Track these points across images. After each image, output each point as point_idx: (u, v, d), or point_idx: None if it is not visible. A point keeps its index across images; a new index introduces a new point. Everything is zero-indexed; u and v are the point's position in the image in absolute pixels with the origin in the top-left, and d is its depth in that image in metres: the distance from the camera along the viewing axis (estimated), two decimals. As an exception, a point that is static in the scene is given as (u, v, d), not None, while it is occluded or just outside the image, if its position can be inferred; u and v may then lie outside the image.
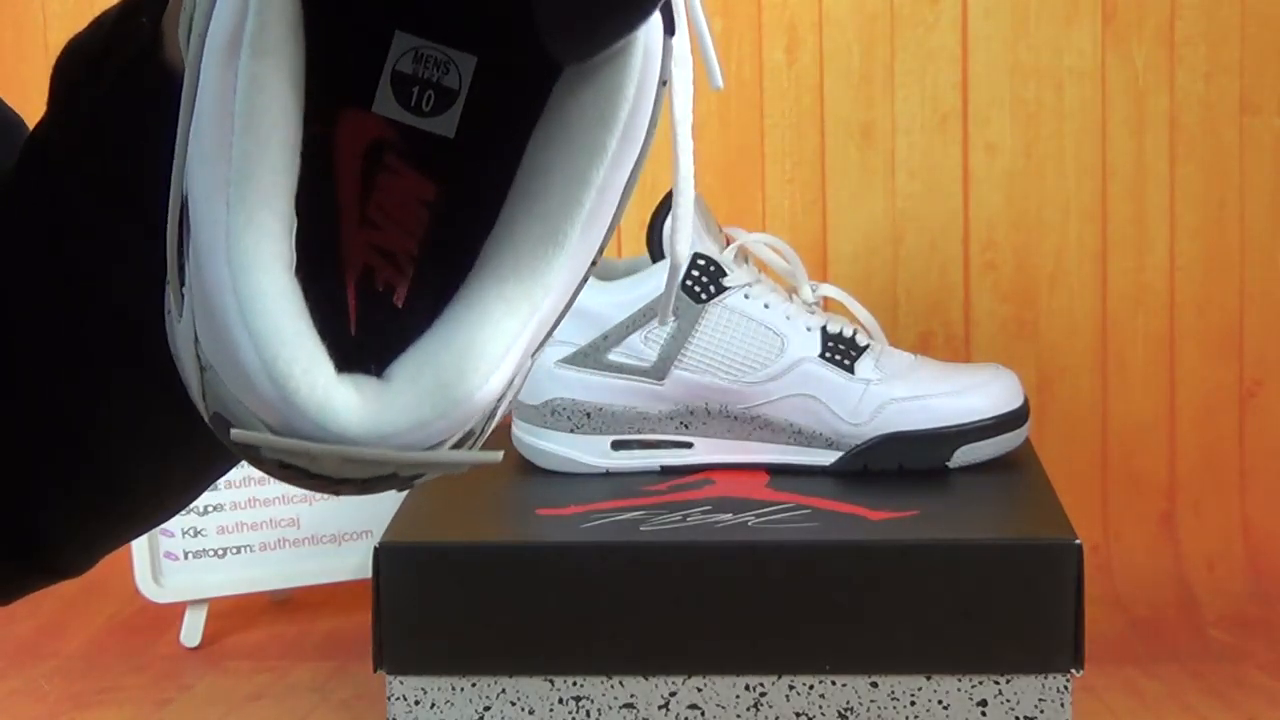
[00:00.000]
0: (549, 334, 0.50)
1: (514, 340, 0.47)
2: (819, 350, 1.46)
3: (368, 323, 0.50)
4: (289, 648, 1.71)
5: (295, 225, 0.47)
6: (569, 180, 0.48)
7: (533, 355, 0.49)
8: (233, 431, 0.45)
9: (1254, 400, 1.88)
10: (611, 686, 1.27)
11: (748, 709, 1.27)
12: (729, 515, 1.33)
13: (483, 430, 0.49)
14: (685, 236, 0.53)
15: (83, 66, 0.62)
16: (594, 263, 0.50)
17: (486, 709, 1.28)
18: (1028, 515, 1.38)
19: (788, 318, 1.46)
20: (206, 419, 0.48)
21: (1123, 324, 1.88)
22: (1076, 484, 1.83)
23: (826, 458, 1.46)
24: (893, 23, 1.87)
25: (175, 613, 1.72)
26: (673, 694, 1.27)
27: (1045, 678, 1.25)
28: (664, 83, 0.50)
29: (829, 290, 1.51)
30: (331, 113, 0.52)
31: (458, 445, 0.47)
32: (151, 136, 0.57)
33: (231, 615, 1.77)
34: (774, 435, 1.47)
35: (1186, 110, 1.86)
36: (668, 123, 0.52)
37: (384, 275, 0.51)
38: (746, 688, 1.27)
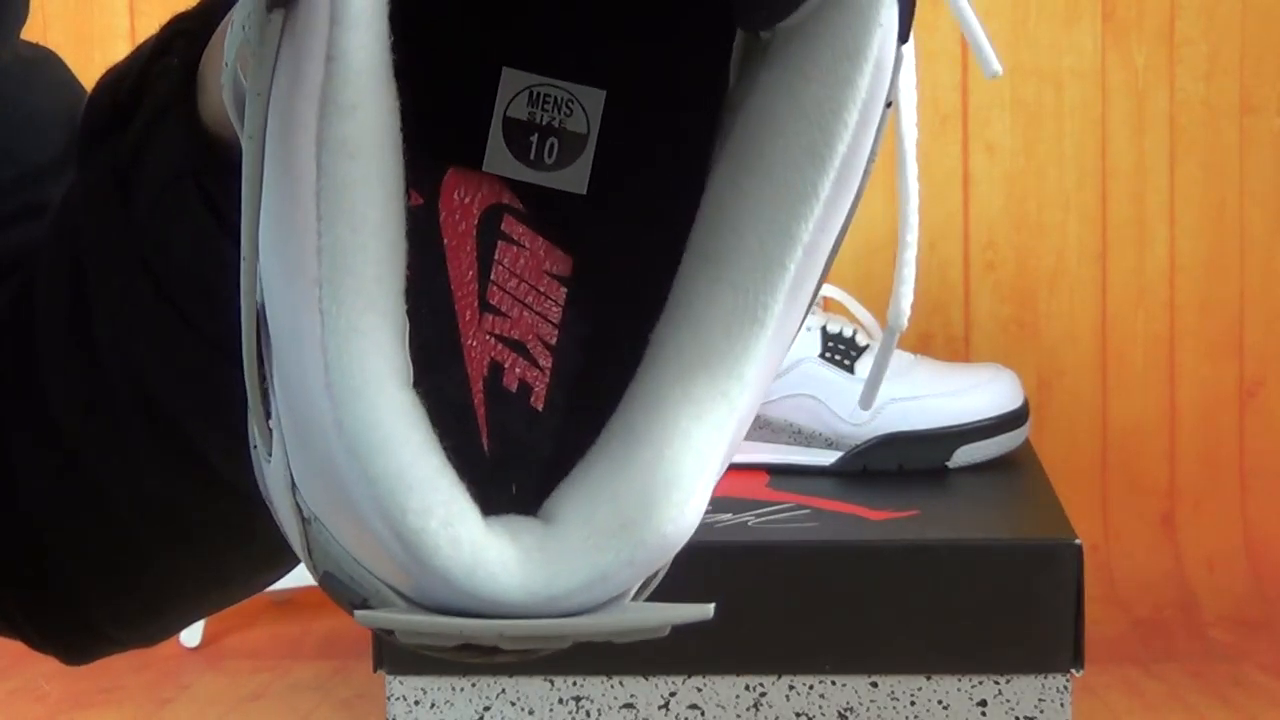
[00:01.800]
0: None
1: (710, 452, 0.37)
2: (819, 350, 1.46)
3: (503, 434, 0.40)
4: (289, 648, 1.71)
5: (407, 327, 0.37)
6: (769, 236, 0.37)
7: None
8: (356, 614, 0.36)
9: (1254, 400, 1.88)
10: (611, 686, 1.27)
11: (748, 709, 1.27)
12: (729, 515, 1.33)
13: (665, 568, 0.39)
14: (909, 293, 0.43)
15: (109, 112, 0.53)
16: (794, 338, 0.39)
17: (486, 709, 1.28)
18: (1028, 515, 1.38)
19: (788, 318, 1.46)
20: (316, 580, 0.39)
21: (1123, 324, 1.88)
22: (1076, 484, 1.83)
23: (826, 458, 1.46)
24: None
25: (175, 613, 1.72)
26: (673, 694, 1.27)
27: (1045, 678, 1.25)
28: (889, 104, 0.38)
29: (829, 290, 1.51)
30: (433, 177, 0.42)
31: (640, 591, 0.38)
32: (187, 215, 0.50)
33: (231, 615, 1.77)
34: (774, 435, 1.47)
35: (1186, 110, 1.86)
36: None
37: (515, 372, 0.41)
38: (746, 688, 1.27)
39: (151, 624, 0.64)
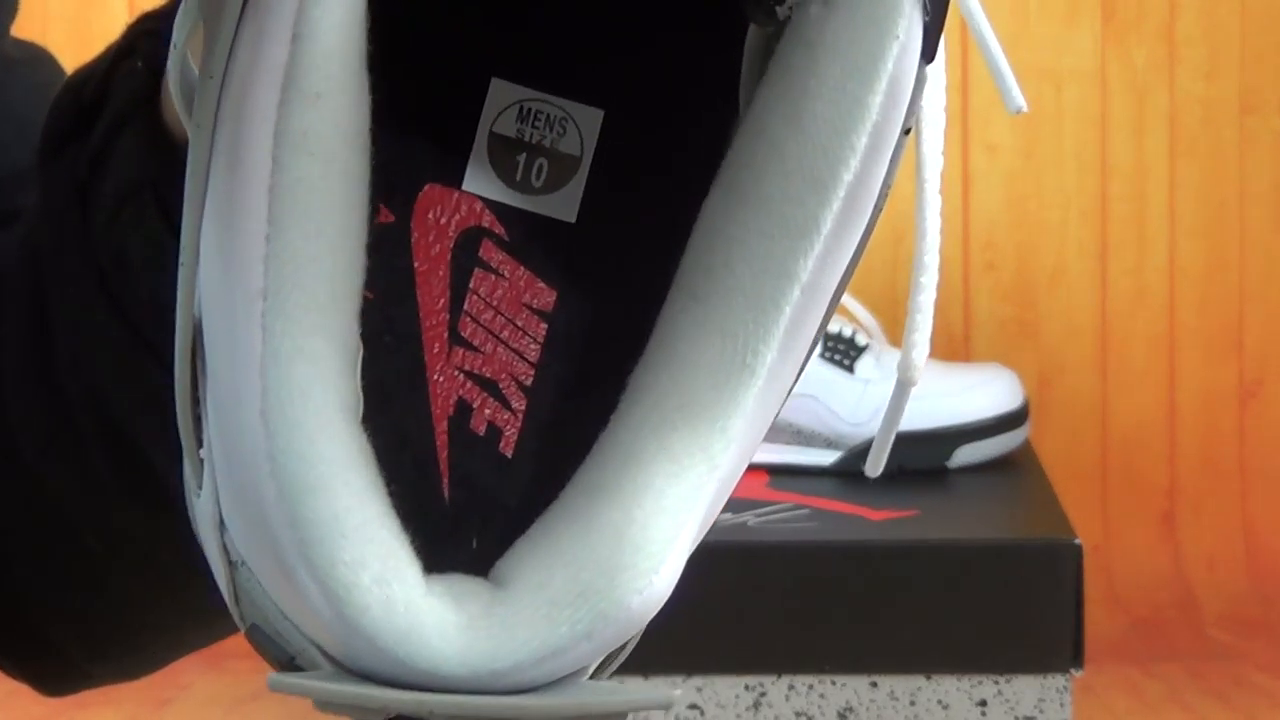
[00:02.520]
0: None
1: (685, 515, 0.32)
2: (819, 350, 1.46)
3: (466, 482, 0.36)
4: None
5: (360, 354, 0.33)
6: (763, 273, 0.33)
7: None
8: (269, 679, 0.31)
9: (1254, 400, 1.88)
10: (611, 686, 1.27)
11: (748, 709, 1.27)
12: (729, 515, 1.33)
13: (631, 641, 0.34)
14: (924, 343, 0.38)
15: (72, 117, 0.49)
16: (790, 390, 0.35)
17: (486, 709, 1.28)
18: (1028, 515, 1.38)
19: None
20: (243, 631, 0.35)
21: (1123, 324, 1.88)
22: (1076, 484, 1.83)
23: (826, 458, 1.46)
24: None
25: (175, 613, 1.72)
26: (673, 694, 1.27)
27: (1045, 678, 1.25)
28: (907, 131, 0.34)
29: (829, 290, 1.51)
30: (407, 193, 0.38)
31: (603, 665, 0.34)
32: (143, 228, 0.47)
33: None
34: (774, 435, 1.47)
35: (1186, 110, 1.86)
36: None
37: (485, 413, 0.37)
38: (746, 688, 1.27)
39: (127, 658, 0.61)
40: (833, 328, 1.47)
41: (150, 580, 0.55)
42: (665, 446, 0.33)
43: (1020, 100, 0.40)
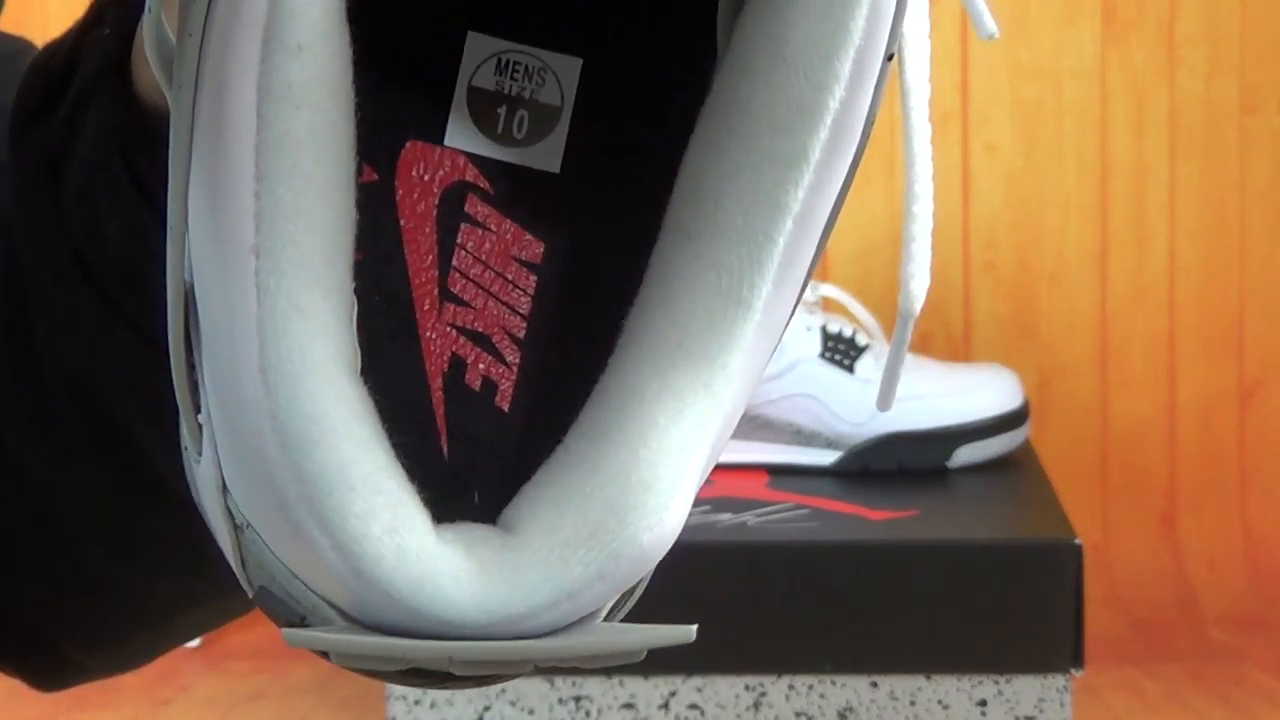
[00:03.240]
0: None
1: (691, 451, 0.32)
2: (819, 350, 1.46)
3: (464, 437, 0.36)
4: (289, 648, 1.71)
5: (355, 308, 0.33)
6: (754, 206, 0.33)
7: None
8: (285, 633, 0.32)
9: (1254, 400, 1.88)
10: (611, 686, 1.27)
11: (748, 709, 1.27)
12: (729, 515, 1.33)
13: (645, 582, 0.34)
14: (923, 274, 0.38)
15: (41, 90, 0.49)
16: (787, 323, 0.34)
17: (486, 709, 1.28)
18: (1028, 515, 1.38)
19: (788, 318, 1.46)
20: (250, 594, 0.35)
21: (1123, 324, 1.88)
22: (1076, 484, 1.83)
23: (826, 458, 1.46)
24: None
25: (175, 613, 1.72)
26: (673, 694, 1.27)
27: (1045, 678, 1.25)
28: (890, 57, 0.34)
29: (829, 290, 1.51)
30: (390, 151, 0.38)
31: (615, 609, 0.34)
32: (116, 197, 0.46)
33: (231, 615, 1.77)
34: (774, 435, 1.47)
35: (1186, 110, 1.86)
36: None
37: (479, 368, 0.37)
38: (746, 688, 1.27)
39: (118, 650, 0.60)
40: (833, 328, 1.47)
41: (135, 568, 0.55)
42: (667, 384, 0.32)
43: (991, 25, 0.40)
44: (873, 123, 0.34)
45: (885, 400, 0.42)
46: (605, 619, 0.33)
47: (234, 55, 0.31)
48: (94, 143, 0.47)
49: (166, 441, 0.45)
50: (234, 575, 0.38)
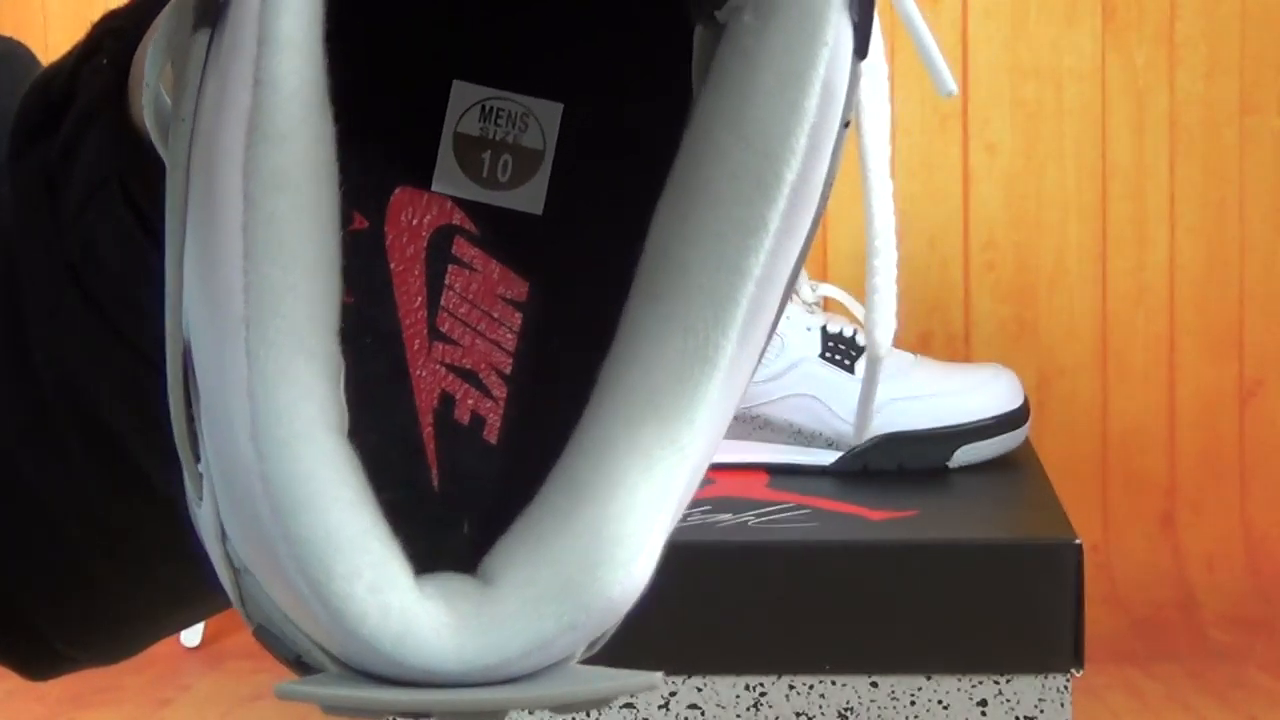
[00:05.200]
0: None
1: (658, 506, 0.34)
2: (819, 350, 1.46)
3: (454, 471, 0.38)
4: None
5: (343, 368, 0.34)
6: (718, 272, 0.34)
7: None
8: (276, 688, 0.33)
9: (1254, 400, 1.88)
10: (611, 686, 1.27)
11: (748, 709, 1.27)
12: (729, 515, 1.33)
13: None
14: (887, 321, 0.38)
15: (41, 112, 0.51)
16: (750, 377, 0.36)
17: (486, 709, 1.28)
18: (1028, 515, 1.38)
19: (787, 317, 1.46)
20: (252, 631, 0.37)
21: (1123, 324, 1.88)
22: (1076, 484, 1.83)
23: (826, 457, 1.46)
24: (892, 23, 1.87)
25: (175, 613, 1.72)
26: (673, 694, 1.27)
27: (1045, 678, 1.25)
28: (846, 124, 0.36)
29: (829, 290, 1.51)
30: (379, 198, 0.39)
31: (585, 649, 0.35)
32: (112, 219, 0.48)
33: (231, 615, 1.76)
34: (774, 435, 1.47)
35: (1186, 110, 1.86)
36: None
37: (467, 404, 0.39)
38: (746, 688, 1.27)
39: (108, 643, 0.62)
40: (833, 328, 1.47)
41: (129, 566, 0.56)
42: (636, 441, 0.34)
43: (951, 84, 0.41)
44: (831, 184, 0.36)
45: (859, 433, 0.43)
46: (578, 661, 0.35)
47: (221, 144, 0.33)
48: (91, 166, 0.49)
49: (159, 453, 0.46)
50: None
